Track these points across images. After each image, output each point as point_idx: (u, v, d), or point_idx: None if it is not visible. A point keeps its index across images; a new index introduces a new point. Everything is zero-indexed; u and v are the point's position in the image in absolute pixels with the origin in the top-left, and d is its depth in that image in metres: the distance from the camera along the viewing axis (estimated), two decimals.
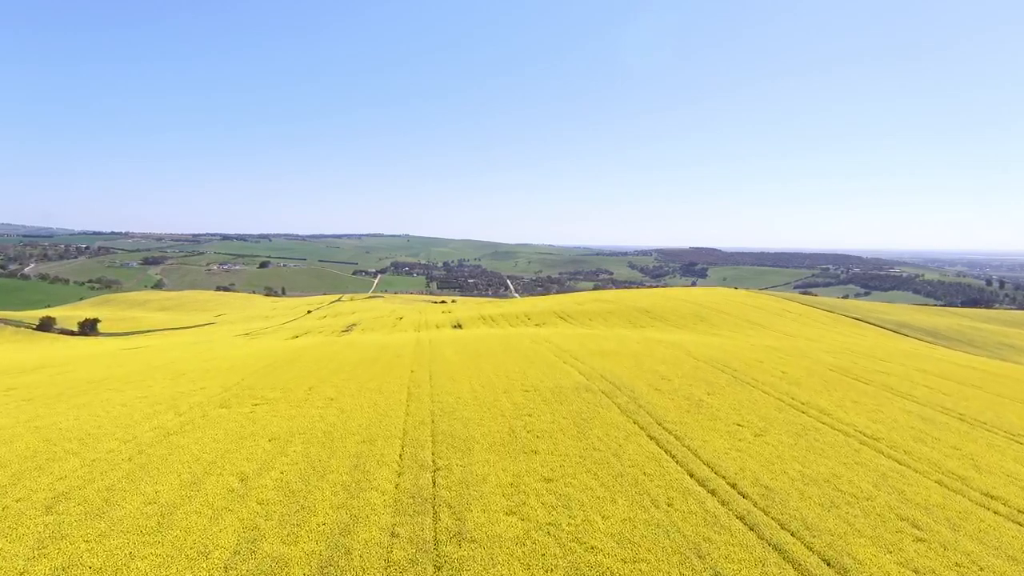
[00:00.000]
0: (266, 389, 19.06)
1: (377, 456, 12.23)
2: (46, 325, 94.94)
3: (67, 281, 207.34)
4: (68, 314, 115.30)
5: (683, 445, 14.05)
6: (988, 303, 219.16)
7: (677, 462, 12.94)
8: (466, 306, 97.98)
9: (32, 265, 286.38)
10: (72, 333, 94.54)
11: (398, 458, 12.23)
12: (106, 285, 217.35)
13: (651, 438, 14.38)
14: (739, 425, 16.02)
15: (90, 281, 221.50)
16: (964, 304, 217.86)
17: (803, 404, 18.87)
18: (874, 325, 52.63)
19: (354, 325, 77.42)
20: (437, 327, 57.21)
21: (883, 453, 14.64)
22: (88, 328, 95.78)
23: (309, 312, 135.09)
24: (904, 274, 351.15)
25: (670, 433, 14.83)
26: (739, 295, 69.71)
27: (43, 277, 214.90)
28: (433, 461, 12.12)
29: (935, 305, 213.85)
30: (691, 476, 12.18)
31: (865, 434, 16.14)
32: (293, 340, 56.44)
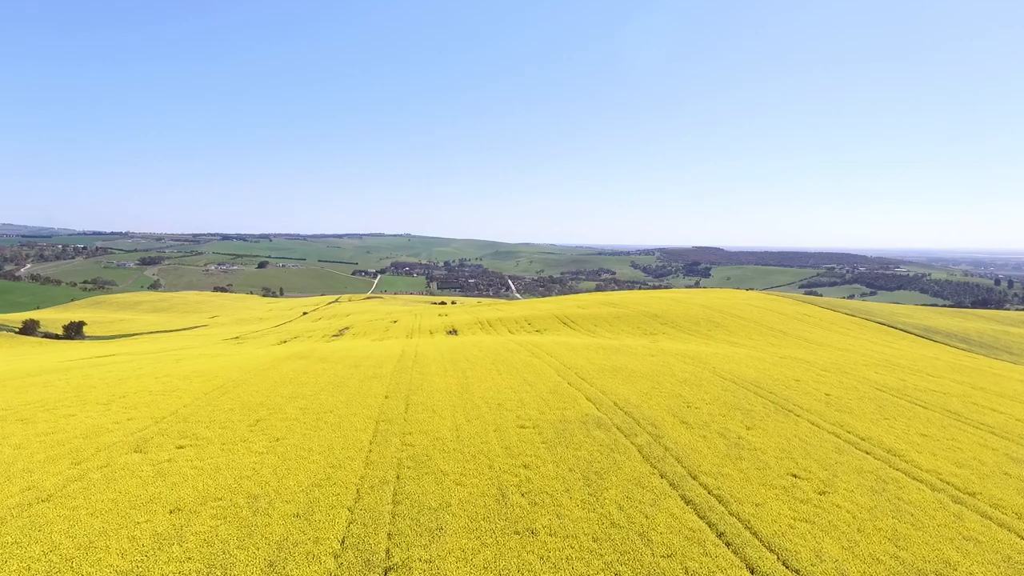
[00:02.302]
0: (203, 422, 15.51)
1: (308, 544, 8.67)
2: (29, 328, 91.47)
3: (59, 282, 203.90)
4: (55, 316, 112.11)
5: (730, 513, 10.49)
6: (998, 303, 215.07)
7: (727, 544, 9.37)
8: (464, 308, 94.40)
9: (28, 266, 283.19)
10: (56, 337, 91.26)
11: (339, 546, 8.68)
12: (99, 286, 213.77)
13: (687, 502, 10.81)
14: (795, 476, 12.45)
15: (84, 282, 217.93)
16: (974, 304, 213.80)
17: (864, 440, 15.31)
18: (901, 330, 48.96)
19: (346, 329, 73.94)
20: (431, 333, 53.64)
21: (991, 519, 11.06)
22: (73, 332, 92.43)
23: (305, 314, 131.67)
24: (911, 273, 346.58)
25: (710, 493, 11.26)
26: (753, 297, 66.01)
27: (34, 278, 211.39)
28: (387, 552, 8.56)
29: (944, 305, 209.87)
30: (752, 573, 8.61)
31: (955, 486, 12.57)
32: (278, 346, 53.03)
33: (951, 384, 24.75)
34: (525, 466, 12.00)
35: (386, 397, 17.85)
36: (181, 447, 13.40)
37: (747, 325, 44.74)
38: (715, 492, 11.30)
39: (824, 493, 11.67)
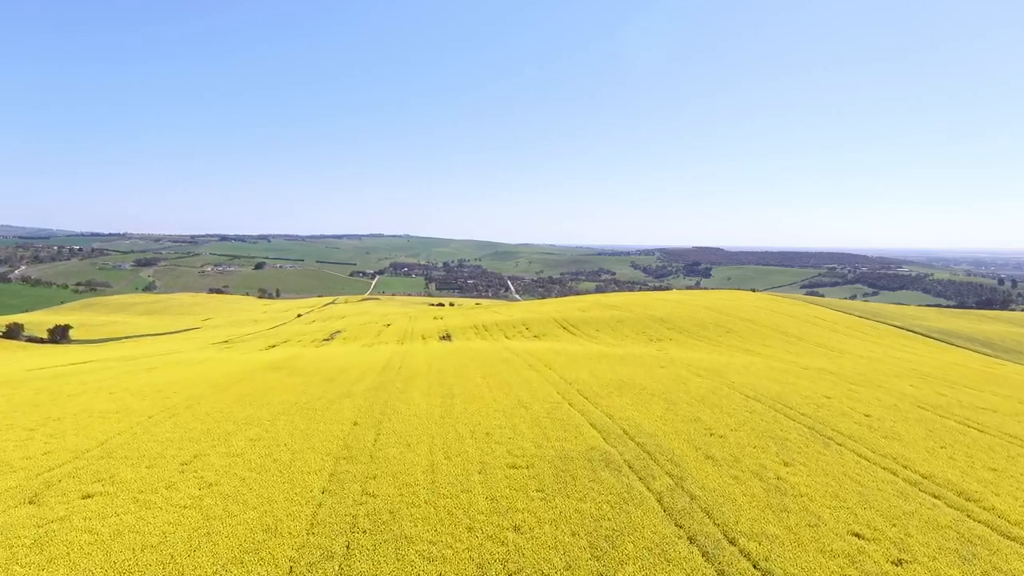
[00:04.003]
0: (130, 457, 12.87)
1: None
2: (12, 332, 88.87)
3: (50, 284, 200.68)
4: (42, 319, 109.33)
5: None
6: (1003, 303, 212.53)
7: None
8: (461, 311, 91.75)
9: (23, 267, 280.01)
10: (41, 341, 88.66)
11: None
12: (92, 288, 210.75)
13: None
14: (858, 536, 9.82)
15: (78, 284, 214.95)
16: (979, 304, 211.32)
17: (926, 479, 12.68)
18: (919, 335, 46.33)
19: (338, 332, 71.32)
20: (423, 338, 50.97)
21: None
22: (58, 335, 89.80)
23: (299, 316, 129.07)
24: (913, 273, 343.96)
25: (756, 567, 8.63)
26: (760, 299, 63.36)
27: (25, 280, 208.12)
28: None
29: (947, 305, 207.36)
30: None
31: None
32: (264, 351, 50.46)
33: (995, 399, 22.16)
34: (515, 528, 9.35)
35: (355, 424, 15.19)
36: (88, 496, 10.76)
37: (759, 330, 42.08)
38: (762, 566, 8.66)
39: (901, 563, 9.04)
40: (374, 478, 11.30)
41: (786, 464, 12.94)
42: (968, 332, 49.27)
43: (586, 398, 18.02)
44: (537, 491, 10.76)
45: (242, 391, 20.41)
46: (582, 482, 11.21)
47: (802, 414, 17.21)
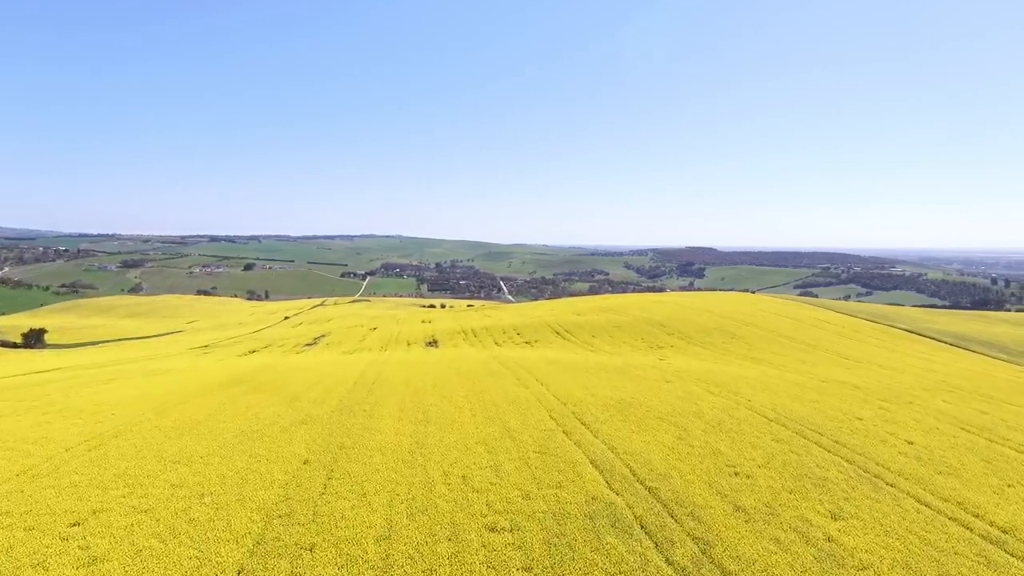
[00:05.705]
0: (10, 515, 10.19)
1: None
2: None
3: (31, 286, 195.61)
4: (19, 323, 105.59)
5: None
6: (998, 303, 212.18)
7: None
8: (451, 314, 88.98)
9: (5, 269, 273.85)
10: (14, 345, 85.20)
11: None
12: (74, 290, 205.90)
13: None
14: None
15: (61, 286, 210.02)
16: (973, 304, 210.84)
17: (1007, 533, 10.26)
18: (932, 339, 44.10)
19: (322, 336, 68.48)
20: (408, 344, 48.25)
21: None
22: (32, 340, 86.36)
23: (286, 318, 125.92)
24: (907, 273, 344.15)
25: None
26: (761, 301, 61.05)
27: (4, 282, 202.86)
28: None
29: (942, 306, 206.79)
30: None
31: None
32: (241, 358, 47.69)
33: None
34: None
35: (305, 462, 12.53)
36: None
37: (766, 335, 39.66)
38: None
39: None
40: (311, 549, 8.66)
41: (834, 517, 10.42)
42: (980, 336, 47.14)
43: (584, 424, 15.44)
44: (523, 570, 8.17)
45: (187, 414, 17.67)
46: (582, 553, 8.62)
47: (836, 442, 14.72)
